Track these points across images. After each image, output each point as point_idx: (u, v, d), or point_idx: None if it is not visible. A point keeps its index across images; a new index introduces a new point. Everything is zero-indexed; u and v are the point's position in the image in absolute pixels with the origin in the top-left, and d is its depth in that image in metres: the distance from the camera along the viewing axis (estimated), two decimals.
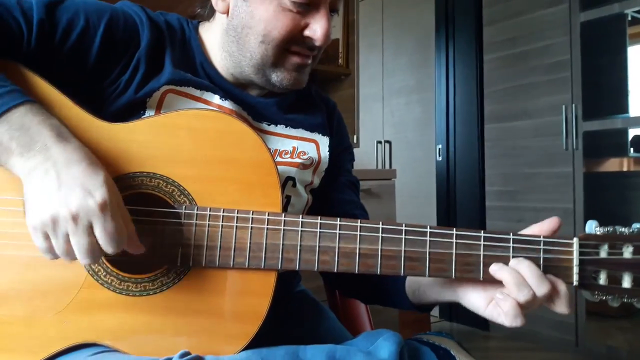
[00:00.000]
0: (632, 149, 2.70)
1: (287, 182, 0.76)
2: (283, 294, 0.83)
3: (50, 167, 0.54)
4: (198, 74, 0.75)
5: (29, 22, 0.62)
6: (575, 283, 0.59)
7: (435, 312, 3.08)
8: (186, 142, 0.62)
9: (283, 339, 0.61)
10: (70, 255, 0.54)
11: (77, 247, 0.53)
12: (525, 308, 0.58)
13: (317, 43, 0.70)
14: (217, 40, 0.75)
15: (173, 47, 0.73)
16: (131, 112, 0.68)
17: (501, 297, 0.58)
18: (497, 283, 0.59)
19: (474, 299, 0.62)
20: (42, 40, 0.63)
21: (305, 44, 0.71)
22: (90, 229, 0.53)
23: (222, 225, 0.60)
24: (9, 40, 0.61)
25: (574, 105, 2.45)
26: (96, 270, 0.60)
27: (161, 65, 0.70)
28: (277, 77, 0.72)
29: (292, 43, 0.70)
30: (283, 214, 0.60)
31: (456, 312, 2.99)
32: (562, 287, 0.58)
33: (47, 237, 0.53)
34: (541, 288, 0.57)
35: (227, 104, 0.73)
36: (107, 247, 0.54)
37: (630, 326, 2.65)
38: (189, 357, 0.53)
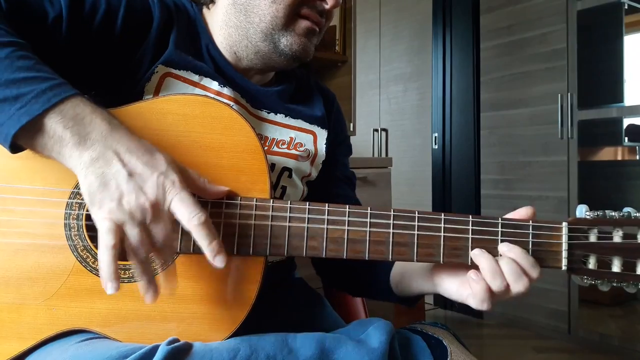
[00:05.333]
0: (626, 138, 2.71)
1: (283, 172, 0.76)
2: (279, 282, 0.83)
3: (112, 156, 0.52)
4: (202, 56, 0.74)
5: (58, 11, 0.61)
6: (564, 268, 0.58)
7: (429, 299, 3.10)
8: (173, 128, 0.61)
9: (278, 326, 0.61)
10: (145, 246, 0.52)
11: (162, 232, 0.52)
12: (496, 297, 0.58)
13: (327, 5, 0.70)
14: (219, 20, 0.74)
15: (180, 28, 0.71)
16: (132, 96, 0.66)
17: (475, 278, 0.58)
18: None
19: (448, 284, 0.63)
20: (72, 27, 0.62)
21: (315, 8, 0.71)
22: (170, 212, 0.52)
23: (209, 212, 0.59)
24: (45, 29, 0.61)
25: (569, 94, 2.44)
26: (84, 256, 0.60)
27: (166, 45, 0.69)
28: (287, 41, 0.71)
29: (302, 4, 0.70)
30: (271, 200, 0.60)
31: (450, 299, 3.00)
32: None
33: (120, 230, 0.51)
34: (517, 285, 0.57)
35: (226, 91, 0.72)
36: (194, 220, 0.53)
37: (623, 314, 2.67)
38: (176, 344, 0.53)
